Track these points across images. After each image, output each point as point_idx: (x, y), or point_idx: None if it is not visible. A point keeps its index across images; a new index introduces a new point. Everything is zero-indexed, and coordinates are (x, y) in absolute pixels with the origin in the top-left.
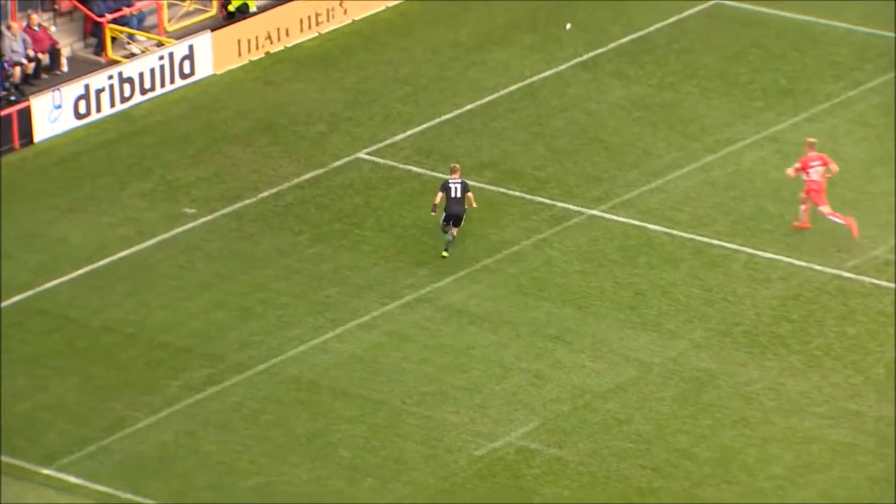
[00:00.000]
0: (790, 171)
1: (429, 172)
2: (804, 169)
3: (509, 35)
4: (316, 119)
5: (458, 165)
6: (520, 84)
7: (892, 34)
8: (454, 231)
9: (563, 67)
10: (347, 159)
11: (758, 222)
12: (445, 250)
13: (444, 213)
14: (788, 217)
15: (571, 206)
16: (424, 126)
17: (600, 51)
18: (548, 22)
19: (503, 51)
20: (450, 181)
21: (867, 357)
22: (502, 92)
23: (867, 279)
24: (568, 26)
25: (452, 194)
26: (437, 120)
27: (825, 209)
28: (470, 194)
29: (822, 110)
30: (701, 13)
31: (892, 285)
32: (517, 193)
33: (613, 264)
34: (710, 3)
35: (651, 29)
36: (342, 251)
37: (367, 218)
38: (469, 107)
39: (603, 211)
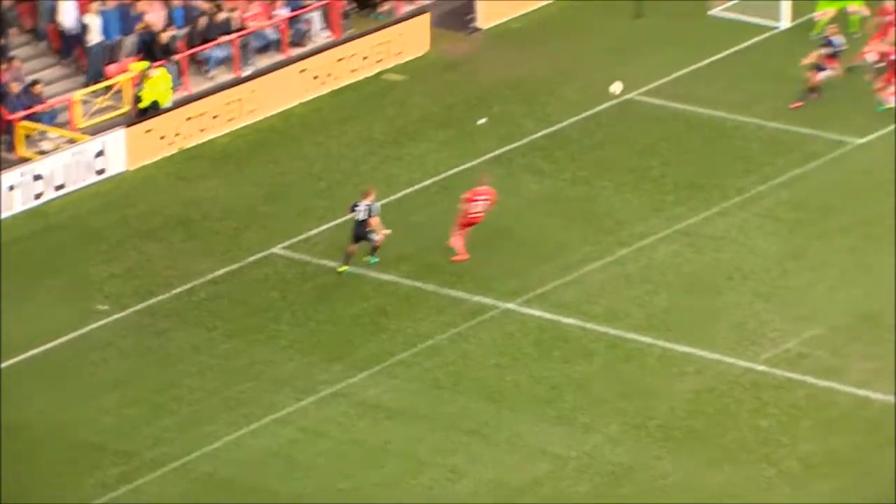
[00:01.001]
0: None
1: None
2: (472, 200)
3: (423, 130)
4: (230, 214)
5: (372, 189)
6: (434, 178)
7: (802, 129)
8: (355, 248)
9: (476, 162)
10: (262, 254)
11: (671, 315)
12: (346, 264)
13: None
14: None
15: (487, 300)
16: (339, 220)
17: (514, 145)
18: (461, 117)
19: (417, 146)
20: (360, 204)
21: (779, 450)
22: (417, 186)
23: (779, 372)
24: (481, 121)
25: (359, 216)
26: (352, 215)
27: (460, 239)
28: (374, 220)
29: (733, 204)
30: (613, 108)
31: (804, 378)
32: (432, 287)
33: (528, 358)
34: (622, 98)
35: (564, 124)
36: (257, 346)
37: (282, 313)
38: (384, 201)
39: (518, 304)
